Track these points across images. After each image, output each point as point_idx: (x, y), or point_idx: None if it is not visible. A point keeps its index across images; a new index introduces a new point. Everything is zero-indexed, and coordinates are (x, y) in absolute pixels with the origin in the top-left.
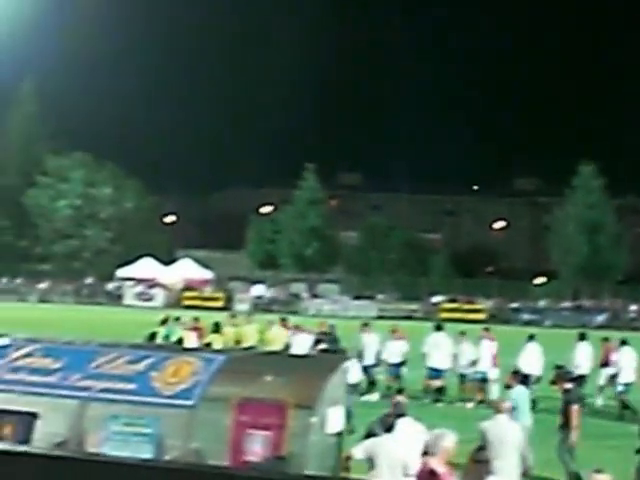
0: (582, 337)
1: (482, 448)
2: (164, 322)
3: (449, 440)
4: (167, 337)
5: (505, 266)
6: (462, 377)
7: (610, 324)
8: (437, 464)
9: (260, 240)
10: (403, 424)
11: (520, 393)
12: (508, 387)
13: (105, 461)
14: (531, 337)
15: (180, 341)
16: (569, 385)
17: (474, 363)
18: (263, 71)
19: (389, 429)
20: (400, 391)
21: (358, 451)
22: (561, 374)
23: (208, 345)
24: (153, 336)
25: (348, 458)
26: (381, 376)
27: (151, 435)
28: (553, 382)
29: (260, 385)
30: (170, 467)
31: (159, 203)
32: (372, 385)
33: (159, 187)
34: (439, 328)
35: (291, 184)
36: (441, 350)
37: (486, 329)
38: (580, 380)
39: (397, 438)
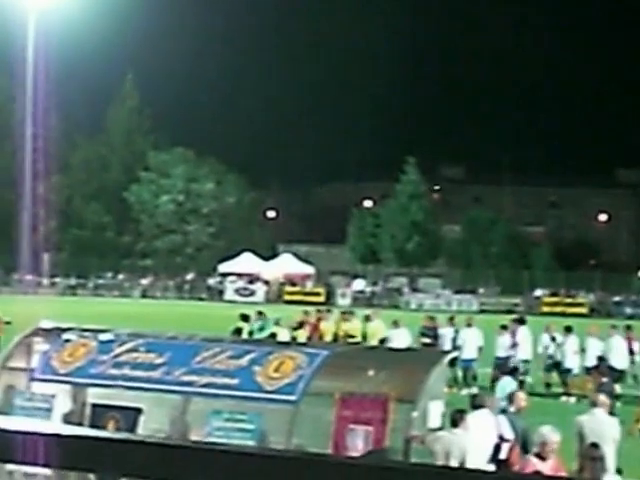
0: None
1: (595, 445)
2: (245, 319)
3: (553, 437)
4: (261, 330)
5: (608, 259)
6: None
7: None
8: (542, 464)
9: (361, 234)
10: (476, 417)
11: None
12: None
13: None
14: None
15: (273, 336)
16: (604, 379)
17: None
18: (363, 66)
19: (455, 423)
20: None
21: (429, 438)
22: (600, 368)
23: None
24: (239, 331)
25: (413, 437)
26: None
27: (253, 431)
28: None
29: (362, 379)
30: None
31: (260, 198)
32: (474, 380)
33: (260, 182)
34: (522, 322)
35: (392, 178)
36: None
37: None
38: None
39: (463, 431)
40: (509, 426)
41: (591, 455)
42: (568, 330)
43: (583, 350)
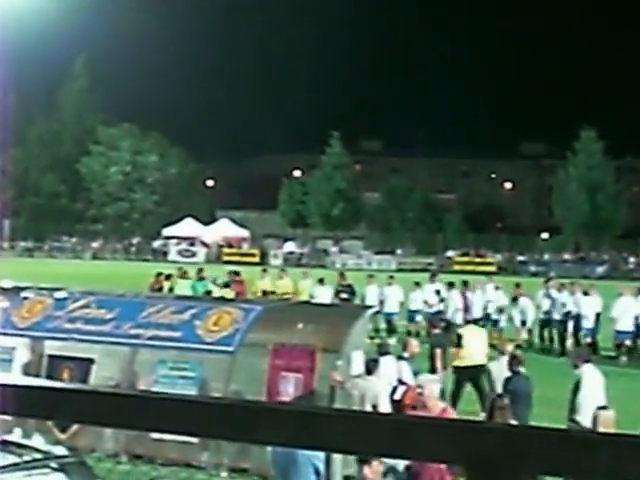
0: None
1: (500, 396)
2: (168, 277)
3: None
4: (194, 289)
5: (513, 223)
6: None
7: (610, 275)
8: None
9: (291, 201)
10: (382, 363)
11: None
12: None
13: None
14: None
15: (209, 293)
16: (437, 330)
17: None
18: (293, 43)
19: (369, 370)
20: (410, 334)
21: (347, 384)
22: (433, 319)
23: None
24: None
25: (336, 383)
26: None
27: (195, 378)
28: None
29: (292, 332)
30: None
31: (200, 169)
32: (392, 332)
33: (200, 155)
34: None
35: (319, 150)
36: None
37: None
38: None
39: (376, 377)
40: (409, 370)
41: (499, 405)
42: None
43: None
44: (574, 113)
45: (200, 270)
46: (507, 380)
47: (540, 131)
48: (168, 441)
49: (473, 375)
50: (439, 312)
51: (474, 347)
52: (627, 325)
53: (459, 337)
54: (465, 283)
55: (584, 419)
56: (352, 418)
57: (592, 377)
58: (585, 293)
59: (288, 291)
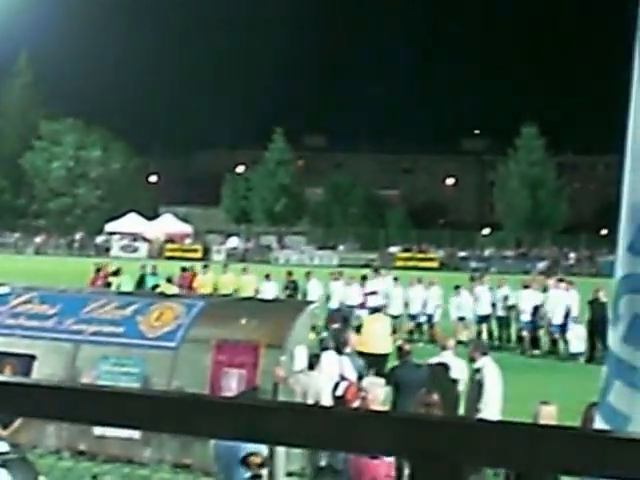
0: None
1: (430, 391)
2: (116, 273)
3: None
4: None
5: (456, 219)
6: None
7: (550, 270)
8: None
9: (234, 197)
10: (326, 359)
11: None
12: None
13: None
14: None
15: (156, 287)
16: (336, 325)
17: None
18: (235, 39)
19: (312, 366)
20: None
21: (290, 380)
22: (333, 315)
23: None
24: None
25: (279, 378)
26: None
27: (138, 374)
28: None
29: (235, 327)
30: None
31: (144, 164)
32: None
33: (144, 149)
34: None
35: (262, 146)
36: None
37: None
38: None
39: (318, 372)
40: (351, 366)
41: (426, 401)
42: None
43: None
44: (515, 109)
45: (154, 267)
46: (392, 370)
47: (481, 127)
48: (110, 437)
49: (374, 363)
50: (378, 309)
51: (374, 334)
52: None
53: (360, 325)
54: (396, 279)
55: (487, 413)
56: (296, 411)
57: (491, 371)
58: (525, 287)
59: (231, 287)
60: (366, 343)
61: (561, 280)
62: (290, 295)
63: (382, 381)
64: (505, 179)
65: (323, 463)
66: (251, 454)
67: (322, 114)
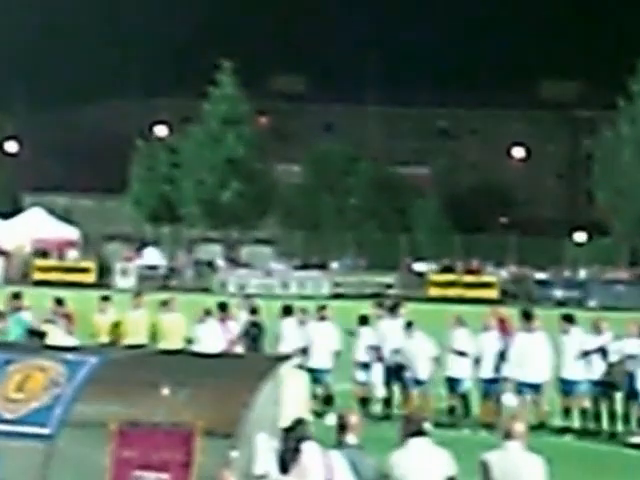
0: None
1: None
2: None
3: None
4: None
5: (528, 216)
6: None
7: None
8: None
9: (151, 179)
10: (309, 454)
11: None
12: None
13: None
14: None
15: (35, 334)
16: None
17: None
18: None
19: (285, 467)
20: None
21: None
22: None
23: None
24: None
25: None
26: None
27: None
28: None
29: (152, 402)
30: None
31: None
32: (327, 401)
33: None
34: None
35: (198, 91)
36: None
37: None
38: None
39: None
40: (344, 463)
41: None
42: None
43: None
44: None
45: (16, 296)
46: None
47: (569, 65)
48: None
49: None
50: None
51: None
52: None
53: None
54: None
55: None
56: None
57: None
58: None
59: (145, 333)
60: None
61: None
62: (249, 348)
63: None
64: (612, 149)
65: None
66: None
67: (300, 43)
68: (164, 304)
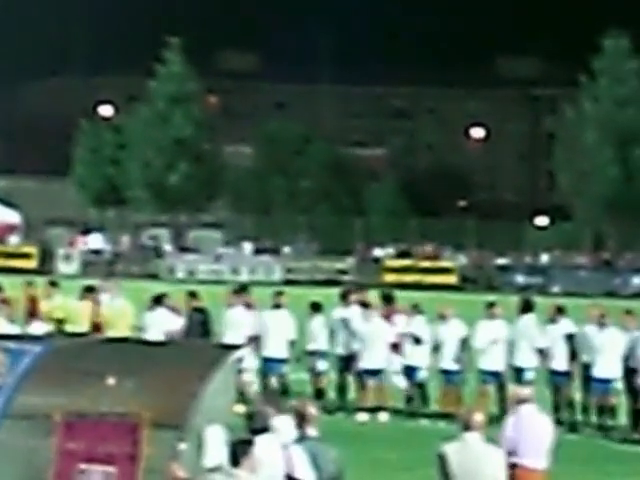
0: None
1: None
2: None
3: None
4: None
5: (487, 199)
6: None
7: None
8: None
9: (95, 160)
10: (263, 447)
11: None
12: None
13: None
14: None
15: None
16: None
17: None
18: None
19: (236, 460)
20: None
21: None
22: None
23: None
24: None
25: None
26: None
27: None
28: None
29: (97, 392)
30: None
31: None
32: (283, 391)
33: None
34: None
35: (144, 69)
36: None
37: None
38: None
39: (249, 472)
40: (307, 461)
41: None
42: None
43: None
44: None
45: None
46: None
47: (532, 39)
48: None
49: None
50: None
51: None
52: None
53: None
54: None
55: None
56: None
57: None
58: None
59: (88, 320)
60: None
61: None
62: (198, 334)
63: None
64: (575, 128)
65: None
66: None
67: (252, 18)
68: (112, 285)
